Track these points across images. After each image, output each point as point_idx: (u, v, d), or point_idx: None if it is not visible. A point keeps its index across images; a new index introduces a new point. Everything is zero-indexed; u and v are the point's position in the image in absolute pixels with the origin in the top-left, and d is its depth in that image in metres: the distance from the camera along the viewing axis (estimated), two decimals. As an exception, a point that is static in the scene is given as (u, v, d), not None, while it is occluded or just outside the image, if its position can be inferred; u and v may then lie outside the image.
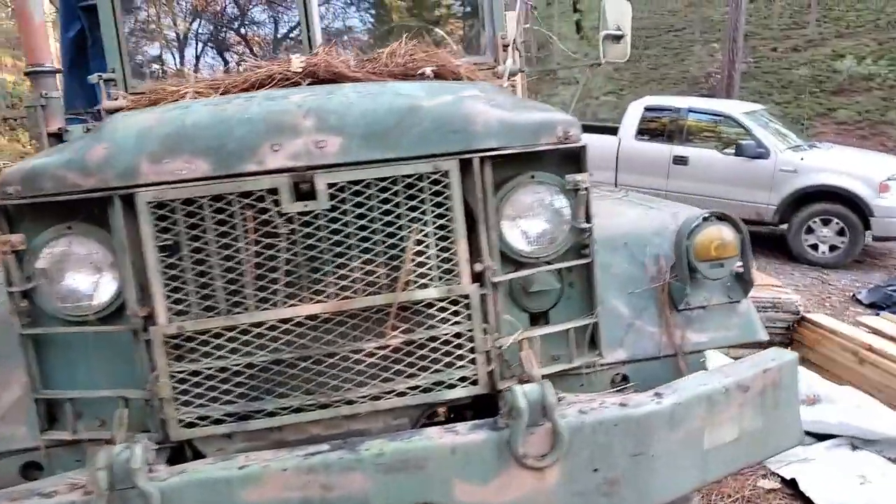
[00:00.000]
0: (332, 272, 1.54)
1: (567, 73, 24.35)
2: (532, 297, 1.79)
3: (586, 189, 1.70)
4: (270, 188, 1.50)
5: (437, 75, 2.63)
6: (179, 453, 1.62)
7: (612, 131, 9.48)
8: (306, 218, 1.53)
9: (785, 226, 7.59)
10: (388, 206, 1.54)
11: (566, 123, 1.68)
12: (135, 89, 2.72)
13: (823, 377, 3.84)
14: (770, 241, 7.94)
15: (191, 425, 1.55)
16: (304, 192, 1.51)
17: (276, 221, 1.51)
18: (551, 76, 18.44)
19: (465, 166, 1.59)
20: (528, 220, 1.72)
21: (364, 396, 1.58)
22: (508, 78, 2.93)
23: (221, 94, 2.15)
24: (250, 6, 3.09)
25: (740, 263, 1.94)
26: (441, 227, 1.57)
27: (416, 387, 1.60)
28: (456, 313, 1.60)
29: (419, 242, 1.55)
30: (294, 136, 1.50)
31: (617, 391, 1.81)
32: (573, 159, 1.71)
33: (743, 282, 1.96)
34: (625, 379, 1.86)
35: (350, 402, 1.58)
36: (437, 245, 1.57)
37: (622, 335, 1.88)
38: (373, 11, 3.18)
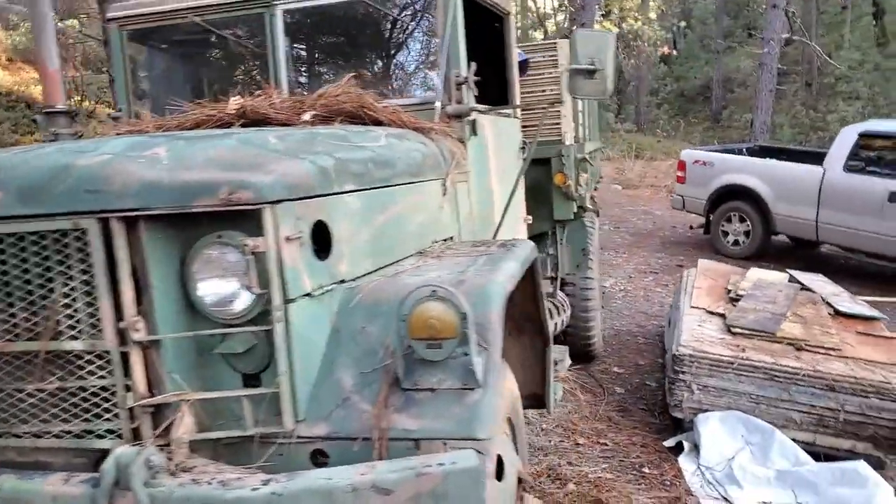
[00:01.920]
0: (-4, 316, 1.68)
1: (851, 88, 22.03)
2: (239, 358, 1.77)
3: (262, 253, 1.64)
4: None
5: (354, 118, 2.67)
6: None
7: (819, 158, 8.54)
8: None
9: None
10: (40, 259, 1.64)
11: (236, 185, 1.63)
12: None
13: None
14: None
15: None
16: None
17: None
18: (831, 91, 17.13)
19: (130, 224, 1.63)
20: (210, 280, 1.70)
21: (27, 433, 1.70)
22: (458, 119, 2.87)
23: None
24: (222, 50, 3.35)
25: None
26: (86, 283, 1.63)
27: (69, 432, 1.68)
28: (101, 367, 1.65)
29: (66, 296, 1.63)
30: None
31: (315, 466, 1.72)
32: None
33: (467, 369, 1.72)
34: (322, 455, 1.74)
35: (17, 436, 1.71)
36: (83, 300, 1.64)
37: (331, 409, 1.76)
38: (335, 55, 3.26)
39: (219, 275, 1.69)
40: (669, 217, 11.93)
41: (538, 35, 32.88)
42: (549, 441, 4.10)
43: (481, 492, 1.56)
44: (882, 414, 3.85)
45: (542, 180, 4.21)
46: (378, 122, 2.71)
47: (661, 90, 31.73)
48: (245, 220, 1.67)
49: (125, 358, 1.64)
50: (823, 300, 5.32)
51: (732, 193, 9.41)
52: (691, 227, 10.39)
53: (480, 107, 3.02)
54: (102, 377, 1.66)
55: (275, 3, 3.04)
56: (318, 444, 1.75)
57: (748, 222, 9.35)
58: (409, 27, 2.98)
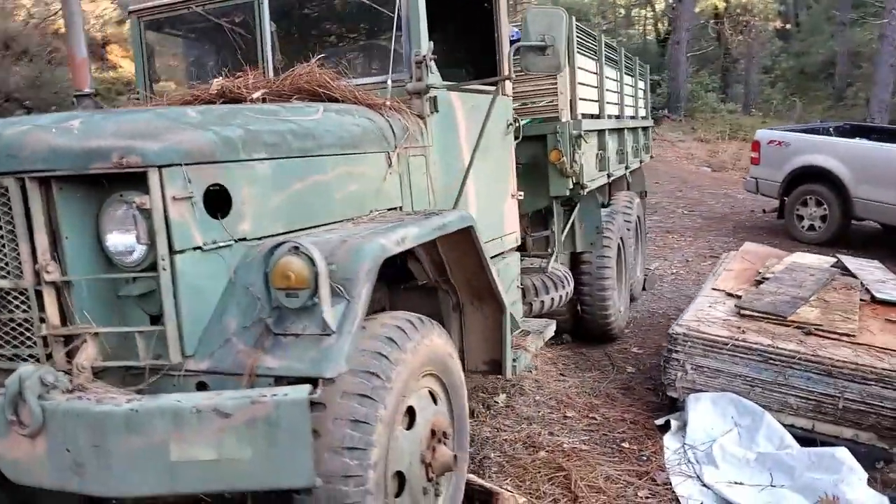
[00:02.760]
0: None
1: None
2: (142, 300, 2.07)
3: (148, 210, 1.93)
4: None
5: (314, 96, 2.94)
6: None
7: None
8: None
9: None
10: (-19, 212, 2.00)
11: (126, 150, 1.92)
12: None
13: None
14: None
15: None
16: None
17: None
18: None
19: (45, 184, 1.96)
20: (113, 233, 2.01)
21: (-27, 355, 2.08)
22: (418, 95, 3.06)
23: None
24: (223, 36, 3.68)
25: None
26: (11, 232, 1.98)
27: (3, 356, 2.04)
28: (23, 303, 2.00)
29: (-4, 242, 1.99)
30: None
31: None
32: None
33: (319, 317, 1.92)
34: (205, 387, 2.01)
35: None
36: (10, 246, 1.99)
37: (215, 348, 2.03)
38: (315, 38, 3.51)
39: (118, 228, 1.99)
40: (751, 201, 11.40)
41: (645, 13, 31.76)
42: (538, 412, 4.21)
43: (306, 421, 1.77)
44: (884, 403, 3.69)
45: (538, 157, 4.29)
46: (334, 99, 2.94)
47: (775, 67, 29.79)
48: (141, 181, 1.96)
49: (40, 295, 1.98)
50: (863, 286, 5.04)
51: (809, 175, 8.91)
52: (764, 211, 9.92)
53: (439, 84, 3.17)
54: (24, 311, 2.01)
55: (262, -5, 3.33)
56: (202, 377, 2.02)
57: (825, 206, 8.83)
58: (375, 11, 3.17)
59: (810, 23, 30.55)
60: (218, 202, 2.13)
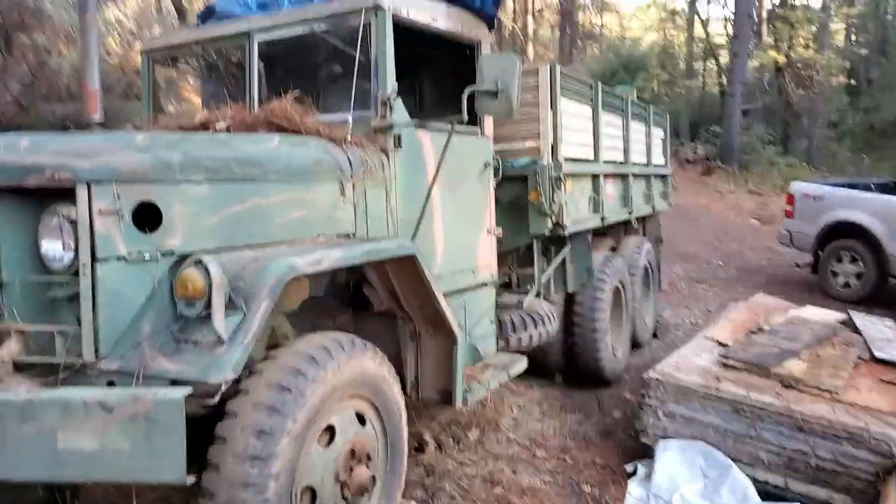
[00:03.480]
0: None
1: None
2: (72, 303, 2.26)
3: (65, 220, 2.13)
4: None
5: (282, 129, 3.14)
6: None
7: None
8: None
9: None
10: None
11: (57, 167, 2.14)
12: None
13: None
14: None
15: None
16: None
17: None
18: None
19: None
20: (46, 240, 2.22)
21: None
22: (381, 132, 3.23)
23: None
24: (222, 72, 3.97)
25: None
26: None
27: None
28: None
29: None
30: None
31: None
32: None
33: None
34: (113, 385, 2.17)
35: None
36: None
37: (125, 351, 2.19)
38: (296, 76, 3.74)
39: (49, 236, 2.20)
40: (792, 255, 11.06)
41: (709, 65, 31.50)
42: (508, 450, 4.21)
43: (181, 420, 1.90)
44: (857, 463, 3.54)
45: (520, 196, 4.38)
46: (299, 132, 3.14)
47: (842, 122, 28.96)
48: (73, 195, 2.17)
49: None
50: (865, 344, 4.86)
51: (843, 231, 8.63)
52: (797, 266, 9.61)
53: (403, 122, 3.32)
54: None
55: (252, 33, 3.60)
56: (112, 376, 2.18)
57: (860, 263, 8.52)
58: (349, 54, 3.38)
59: (882, 79, 29.66)
60: (149, 217, 2.31)
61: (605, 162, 5.36)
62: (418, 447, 4.14)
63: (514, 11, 26.17)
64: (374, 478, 2.71)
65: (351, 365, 2.64)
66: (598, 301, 5.17)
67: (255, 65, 3.64)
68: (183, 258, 2.32)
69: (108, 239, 2.19)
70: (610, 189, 5.56)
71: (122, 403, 1.92)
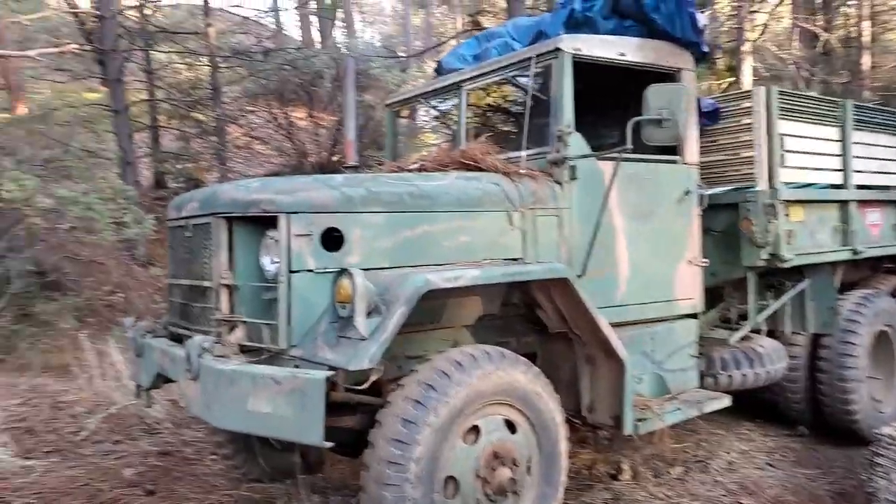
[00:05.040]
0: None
1: None
2: (275, 303, 2.97)
3: (274, 241, 2.84)
4: None
5: (466, 167, 3.69)
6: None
7: None
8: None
9: None
10: (205, 237, 3.14)
11: (267, 203, 2.87)
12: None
13: None
14: None
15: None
16: None
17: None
18: None
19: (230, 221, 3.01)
20: (263, 256, 2.96)
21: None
22: (556, 165, 3.57)
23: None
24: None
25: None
26: (210, 251, 3.06)
27: (198, 329, 3.13)
28: (211, 297, 3.06)
29: (209, 257, 3.10)
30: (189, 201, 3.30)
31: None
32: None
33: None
34: (297, 367, 2.79)
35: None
36: (210, 260, 3.07)
37: (308, 343, 2.80)
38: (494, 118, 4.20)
39: (264, 253, 2.95)
40: None
41: None
42: (710, 492, 3.99)
43: (321, 395, 2.43)
44: None
45: (733, 225, 4.15)
46: (480, 169, 3.58)
47: None
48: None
49: (220, 294, 3.02)
50: None
51: None
52: None
53: (576, 154, 3.53)
54: (211, 303, 3.06)
55: (462, 85, 4.17)
56: (297, 361, 2.82)
57: None
58: (536, 96, 3.72)
59: None
60: (334, 240, 2.94)
61: (860, 187, 4.73)
62: (613, 474, 4.17)
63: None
64: (514, 481, 2.93)
65: (497, 375, 2.94)
66: (848, 345, 4.57)
67: (464, 111, 4.18)
68: None
69: (301, 256, 2.86)
70: (872, 218, 4.87)
71: (286, 379, 2.53)
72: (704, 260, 4.05)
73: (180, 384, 3.02)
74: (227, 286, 3.00)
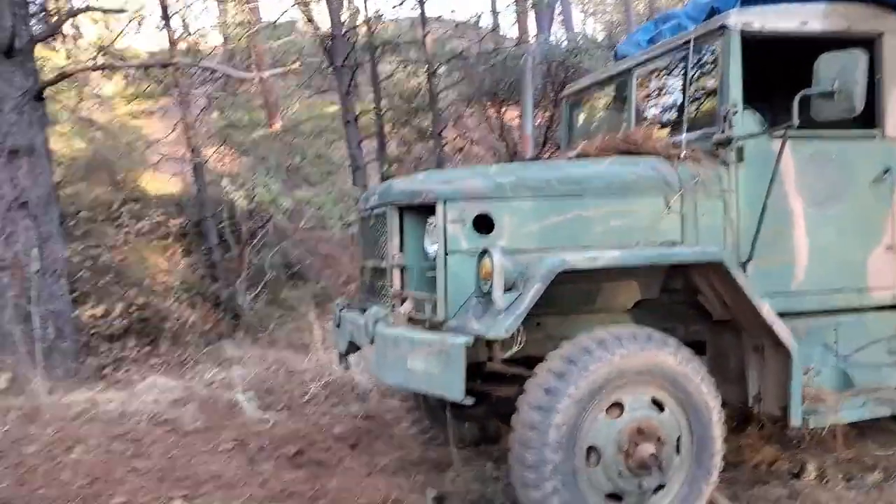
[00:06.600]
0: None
1: None
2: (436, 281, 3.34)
3: (434, 226, 3.21)
4: None
5: (627, 152, 3.82)
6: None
7: None
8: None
9: None
10: (381, 226, 3.61)
11: (428, 192, 3.24)
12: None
13: None
14: None
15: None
16: None
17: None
18: None
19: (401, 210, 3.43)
20: (427, 240, 3.35)
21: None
22: (722, 146, 3.56)
23: None
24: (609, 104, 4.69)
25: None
26: (385, 236, 3.52)
27: (377, 303, 3.61)
28: (387, 276, 3.51)
29: (382, 241, 3.57)
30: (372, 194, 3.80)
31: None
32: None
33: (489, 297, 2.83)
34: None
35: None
36: (386, 245, 3.53)
37: (462, 316, 3.13)
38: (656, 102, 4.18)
39: (428, 236, 3.34)
40: None
41: None
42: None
43: (460, 358, 2.74)
44: None
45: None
46: (640, 153, 3.64)
47: None
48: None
49: (393, 273, 3.46)
50: None
51: None
52: None
53: (744, 135, 3.42)
54: (387, 281, 3.52)
55: (632, 71, 4.23)
56: (453, 330, 3.16)
57: None
58: (699, 75, 3.65)
59: None
60: (485, 224, 3.24)
61: None
62: (796, 473, 3.94)
63: None
64: (655, 457, 2.98)
65: (643, 355, 3.02)
66: None
67: (633, 97, 4.22)
68: None
69: (456, 239, 3.19)
70: None
71: (435, 343, 2.89)
72: (909, 246, 3.65)
73: (363, 349, 3.55)
74: (399, 266, 3.45)
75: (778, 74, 4.11)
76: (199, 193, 11.02)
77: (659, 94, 4.10)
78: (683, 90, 3.79)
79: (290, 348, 8.40)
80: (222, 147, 12.34)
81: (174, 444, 4.95)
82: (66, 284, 7.71)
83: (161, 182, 12.27)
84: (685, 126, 3.56)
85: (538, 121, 12.89)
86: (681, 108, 3.80)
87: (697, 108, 3.74)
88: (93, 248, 10.38)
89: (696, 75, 3.72)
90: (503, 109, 13.62)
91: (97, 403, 5.96)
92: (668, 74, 4.01)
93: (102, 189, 11.69)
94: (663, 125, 3.86)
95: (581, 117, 4.98)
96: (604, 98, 4.76)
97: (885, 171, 3.61)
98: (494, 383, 3.50)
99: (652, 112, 4.09)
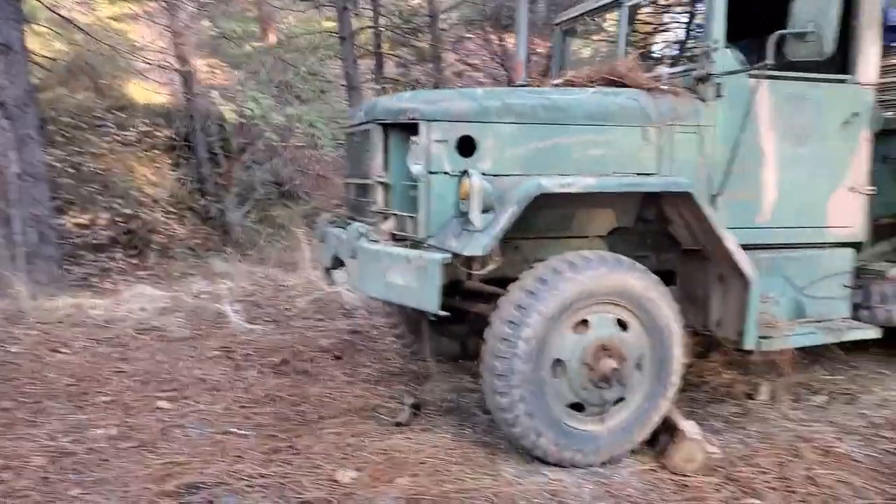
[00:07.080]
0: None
1: None
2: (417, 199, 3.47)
3: (417, 145, 3.31)
4: None
5: (612, 83, 3.89)
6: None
7: None
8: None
9: None
10: (365, 142, 3.71)
11: (412, 111, 3.32)
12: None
13: None
14: None
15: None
16: None
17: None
18: None
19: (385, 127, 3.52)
20: (409, 158, 3.45)
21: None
22: (701, 82, 3.64)
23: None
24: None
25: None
26: (368, 153, 3.63)
27: (363, 220, 3.76)
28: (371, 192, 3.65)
29: (371, 157, 3.69)
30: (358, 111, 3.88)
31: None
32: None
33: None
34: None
35: None
36: (370, 161, 3.65)
37: (440, 233, 3.27)
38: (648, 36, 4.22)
39: (411, 156, 3.44)
40: None
41: None
42: (850, 422, 3.85)
43: (437, 273, 2.92)
44: None
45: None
46: (624, 85, 3.72)
47: None
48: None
49: (376, 190, 3.58)
50: None
51: None
52: None
53: (723, 72, 3.51)
54: (371, 198, 3.66)
55: (622, 2, 4.25)
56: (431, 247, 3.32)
57: None
58: (685, 11, 3.70)
59: None
60: (468, 146, 3.34)
61: None
62: (750, 394, 4.22)
63: None
64: (617, 371, 3.20)
65: (610, 278, 3.20)
66: None
67: (623, 29, 4.26)
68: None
69: (438, 159, 3.30)
70: None
71: (414, 258, 3.05)
72: (870, 188, 3.81)
73: (346, 263, 3.71)
74: (382, 183, 3.57)
75: (763, 14, 4.15)
76: (188, 105, 10.92)
77: (648, 28, 4.14)
78: (668, 25, 3.84)
79: (279, 266, 8.56)
80: (212, 58, 12.11)
81: (160, 350, 5.18)
82: (48, 190, 7.67)
83: (148, 91, 12.04)
84: (668, 60, 3.63)
85: (539, 48, 12.74)
86: (666, 43, 3.86)
87: (682, 44, 3.80)
88: (76, 156, 10.28)
89: (682, 11, 3.77)
90: (505, 35, 13.38)
91: (83, 309, 6.16)
92: (658, 7, 4.05)
93: (85, 95, 11.46)
94: (650, 58, 3.92)
95: (574, 46, 5.00)
96: (595, 27, 4.78)
97: (854, 115, 3.73)
98: (472, 301, 3.70)
99: (640, 45, 4.14)
